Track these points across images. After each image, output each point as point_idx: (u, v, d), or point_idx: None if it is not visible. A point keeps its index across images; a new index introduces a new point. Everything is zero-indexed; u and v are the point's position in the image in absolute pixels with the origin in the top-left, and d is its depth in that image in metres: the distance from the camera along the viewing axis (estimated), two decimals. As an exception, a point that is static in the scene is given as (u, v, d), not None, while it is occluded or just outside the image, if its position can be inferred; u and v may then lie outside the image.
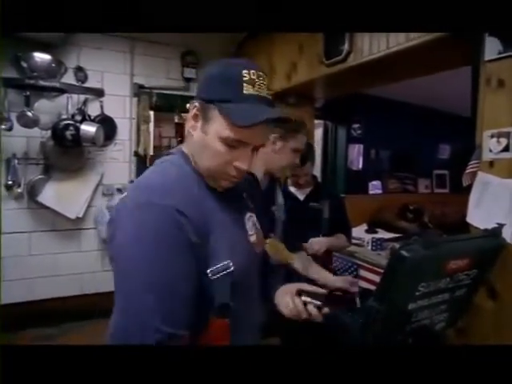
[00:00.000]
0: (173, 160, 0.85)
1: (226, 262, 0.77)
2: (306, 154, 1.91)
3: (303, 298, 0.95)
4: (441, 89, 3.36)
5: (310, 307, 0.95)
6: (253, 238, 0.92)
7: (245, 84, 0.76)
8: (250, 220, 0.94)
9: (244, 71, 0.76)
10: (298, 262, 1.64)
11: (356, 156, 4.11)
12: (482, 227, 1.23)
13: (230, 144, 0.78)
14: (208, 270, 0.76)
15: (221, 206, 0.84)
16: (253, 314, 0.92)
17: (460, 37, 1.47)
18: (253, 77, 0.77)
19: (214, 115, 0.78)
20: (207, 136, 0.79)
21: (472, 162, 1.32)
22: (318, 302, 0.94)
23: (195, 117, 0.82)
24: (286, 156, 1.55)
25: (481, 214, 1.29)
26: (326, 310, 0.95)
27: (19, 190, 2.71)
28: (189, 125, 0.83)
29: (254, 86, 0.77)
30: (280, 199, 1.68)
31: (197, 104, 0.81)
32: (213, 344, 0.78)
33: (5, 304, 2.60)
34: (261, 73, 0.79)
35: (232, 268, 0.78)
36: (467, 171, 1.33)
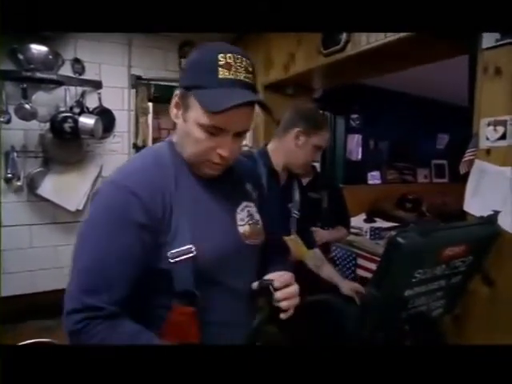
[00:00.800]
0: (157, 147, 0.88)
1: (187, 247, 0.77)
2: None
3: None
4: (439, 78, 3.35)
5: None
6: (242, 229, 0.89)
7: (220, 68, 0.75)
8: (245, 210, 0.92)
9: (220, 55, 0.75)
10: (310, 259, 1.64)
11: (355, 146, 4.11)
12: (478, 215, 1.24)
13: (209, 131, 0.77)
14: (168, 253, 0.76)
15: (202, 193, 0.85)
16: (237, 307, 0.88)
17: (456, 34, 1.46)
18: (229, 60, 0.75)
19: (191, 102, 0.78)
20: (187, 123, 0.80)
21: (469, 150, 1.33)
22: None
23: (177, 105, 0.83)
24: (307, 152, 1.52)
25: (478, 202, 1.30)
26: None
27: (19, 183, 2.71)
28: (172, 114, 0.85)
29: (229, 70, 0.75)
30: (297, 196, 1.66)
31: (177, 92, 0.82)
32: (178, 331, 0.78)
33: (6, 296, 2.62)
34: (239, 56, 0.77)
35: (194, 253, 0.77)
36: (464, 159, 1.34)
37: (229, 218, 0.89)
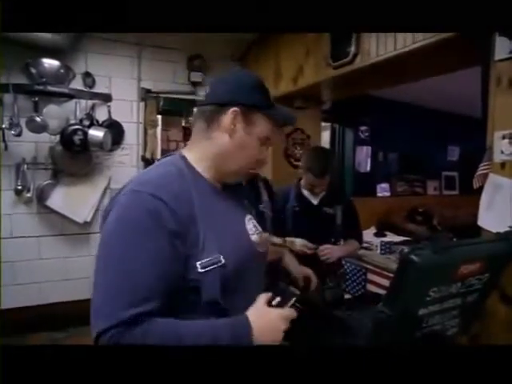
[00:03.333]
0: (172, 159, 0.91)
1: (216, 256, 0.78)
2: (326, 166, 1.88)
3: (274, 302, 0.86)
4: (449, 90, 3.33)
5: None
6: (254, 237, 0.94)
7: (268, 92, 0.93)
8: (250, 222, 0.98)
9: (261, 79, 0.93)
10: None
11: (364, 158, 4.09)
12: (493, 230, 1.20)
13: (264, 142, 0.92)
14: (197, 263, 0.77)
15: (218, 203, 0.90)
16: None
17: (469, 37, 1.45)
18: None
19: (258, 119, 0.90)
20: (247, 137, 0.89)
21: (483, 164, 1.30)
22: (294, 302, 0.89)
23: (235, 120, 0.88)
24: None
25: (492, 216, 1.26)
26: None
27: (28, 195, 2.74)
28: (225, 128, 0.88)
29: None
30: (265, 196, 1.67)
31: (236, 109, 0.88)
32: None
33: (14, 308, 2.62)
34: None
35: (223, 262, 0.79)
36: (478, 173, 1.30)
37: (242, 227, 0.94)
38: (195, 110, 1.00)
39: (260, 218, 1.54)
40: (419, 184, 4.51)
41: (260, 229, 1.01)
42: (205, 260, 0.77)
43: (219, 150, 0.89)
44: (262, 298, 0.84)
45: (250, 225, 0.97)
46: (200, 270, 0.76)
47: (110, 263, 0.74)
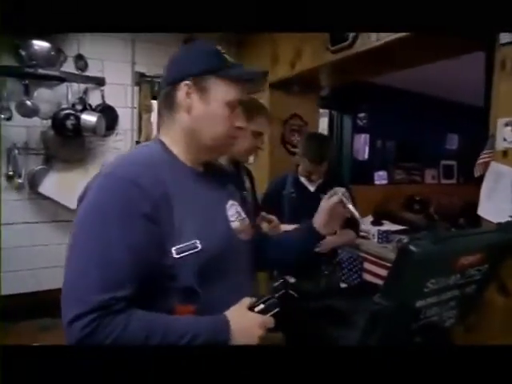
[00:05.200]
0: (148, 144, 0.92)
1: (192, 241, 0.77)
2: (323, 152, 1.85)
3: (256, 309, 0.84)
4: (450, 77, 3.28)
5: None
6: (235, 225, 0.92)
7: (225, 55, 0.88)
8: (233, 208, 0.95)
9: (218, 46, 0.88)
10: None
11: (362, 146, 4.05)
12: (493, 220, 1.18)
13: (233, 106, 0.87)
14: (173, 249, 0.75)
15: (197, 187, 0.87)
16: (233, 302, 0.85)
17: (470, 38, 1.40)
18: (223, 50, 0.89)
19: (212, 84, 0.85)
20: (211, 105, 0.85)
21: (485, 152, 1.26)
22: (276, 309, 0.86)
23: (188, 95, 0.85)
24: (246, 140, 1.48)
25: (493, 206, 1.24)
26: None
27: (20, 181, 2.69)
28: (181, 105, 0.86)
29: (228, 56, 0.88)
30: (247, 183, 1.66)
31: (187, 82, 0.85)
32: None
33: (6, 295, 2.60)
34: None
35: (199, 247, 0.77)
36: (479, 161, 1.27)
37: (221, 213, 0.92)
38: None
39: (243, 205, 1.55)
40: (417, 172, 4.49)
41: (244, 216, 0.98)
42: (180, 245, 0.76)
43: (185, 129, 0.87)
44: (245, 301, 0.82)
45: (232, 211, 0.94)
46: (175, 256, 0.75)
47: (82, 248, 0.72)
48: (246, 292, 0.87)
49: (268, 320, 0.81)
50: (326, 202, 1.02)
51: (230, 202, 0.95)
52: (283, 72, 2.69)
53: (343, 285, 1.89)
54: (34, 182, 2.73)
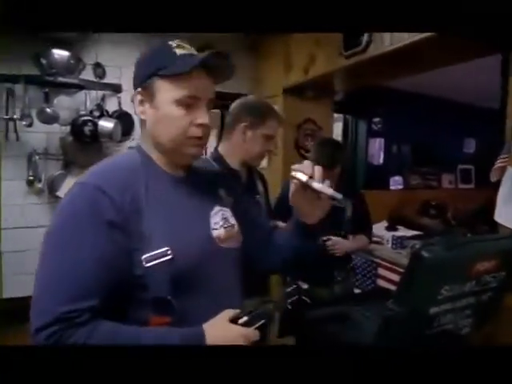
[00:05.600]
0: (127, 152, 0.90)
1: (163, 250, 0.73)
2: (335, 158, 1.85)
3: (240, 321, 0.78)
4: (466, 80, 3.23)
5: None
6: (217, 232, 0.87)
7: (176, 49, 0.80)
8: (219, 214, 0.90)
9: (170, 42, 0.82)
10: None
11: (377, 150, 4.02)
12: (510, 226, 1.15)
13: (185, 103, 0.79)
14: (143, 257, 0.73)
15: (175, 193, 0.84)
16: (215, 313, 0.80)
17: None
18: (179, 43, 0.82)
19: (157, 87, 0.80)
20: (160, 109, 0.81)
21: (501, 157, 1.24)
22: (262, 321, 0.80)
23: (141, 102, 0.83)
24: (257, 144, 1.48)
25: (510, 211, 1.21)
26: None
27: (40, 185, 2.76)
28: (139, 112, 0.85)
29: (184, 49, 0.81)
30: (260, 187, 1.64)
31: (139, 89, 0.83)
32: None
33: (25, 296, 2.66)
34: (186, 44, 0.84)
35: (170, 256, 0.74)
36: (496, 166, 1.25)
37: (202, 220, 0.87)
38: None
39: (257, 208, 1.54)
40: (433, 177, 4.42)
41: (232, 222, 0.92)
42: (150, 254, 0.73)
43: (150, 135, 0.85)
44: (227, 313, 0.77)
45: (218, 218, 0.89)
46: (145, 265, 0.72)
47: (49, 258, 0.72)
48: (231, 303, 0.81)
49: (252, 333, 0.75)
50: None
51: (217, 209, 0.90)
52: (297, 77, 2.70)
53: (357, 290, 1.87)
54: (53, 186, 2.80)
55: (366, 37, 1.95)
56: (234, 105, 1.54)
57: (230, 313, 0.76)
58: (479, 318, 1.02)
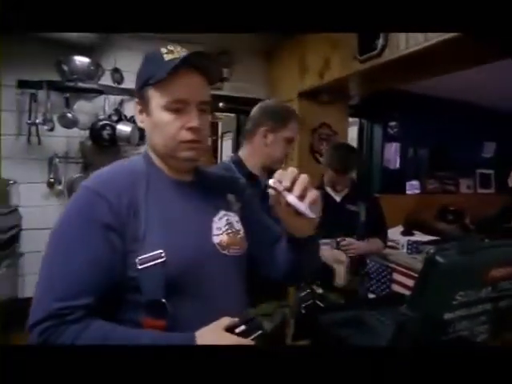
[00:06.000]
0: (132, 158, 0.92)
1: (157, 252, 0.74)
2: (348, 163, 1.85)
3: (237, 330, 0.74)
4: (485, 82, 3.16)
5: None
6: (219, 238, 0.86)
7: (165, 55, 0.81)
8: (223, 219, 0.89)
9: (162, 48, 0.83)
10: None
11: (393, 155, 3.97)
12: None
13: (174, 108, 0.80)
14: (137, 259, 0.74)
15: (176, 200, 0.85)
16: (215, 319, 0.79)
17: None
18: (171, 48, 0.83)
19: (150, 95, 0.83)
20: (153, 116, 0.83)
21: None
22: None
23: (140, 112, 0.87)
24: (279, 147, 1.48)
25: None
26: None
27: (60, 188, 2.84)
28: (139, 122, 0.88)
29: (173, 53, 0.82)
30: None
31: (136, 100, 0.87)
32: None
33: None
34: (179, 47, 0.85)
35: (164, 258, 0.74)
36: (513, 171, 1.23)
37: (203, 225, 0.86)
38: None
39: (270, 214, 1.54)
40: (451, 182, 4.34)
41: (237, 228, 0.91)
42: (144, 256, 0.74)
43: (150, 143, 0.88)
44: (224, 320, 0.74)
45: (222, 223, 0.88)
46: (139, 267, 0.73)
47: (50, 256, 0.74)
48: (229, 310, 0.78)
49: (247, 342, 0.72)
50: None
51: (222, 213, 0.90)
52: (312, 81, 2.71)
53: (371, 295, 1.86)
54: (72, 189, 2.86)
55: (381, 41, 1.94)
56: (254, 109, 1.54)
57: (226, 321, 0.74)
58: (496, 324, 1.00)
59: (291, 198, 0.72)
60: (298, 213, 0.73)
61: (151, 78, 0.81)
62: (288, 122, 1.48)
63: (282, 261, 0.94)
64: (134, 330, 0.72)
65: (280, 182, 0.73)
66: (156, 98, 0.82)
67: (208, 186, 0.92)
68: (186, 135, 0.82)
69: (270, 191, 0.74)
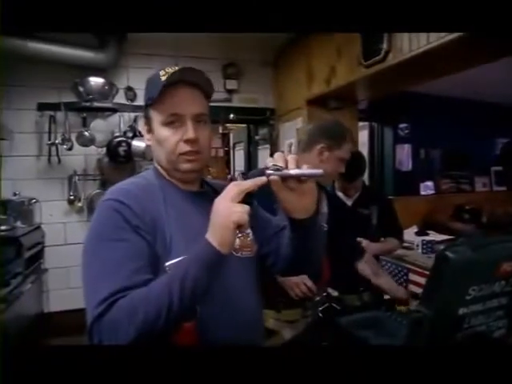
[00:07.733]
0: (144, 172, 0.97)
1: (183, 257, 0.77)
2: (358, 169, 1.89)
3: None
4: (496, 79, 3.14)
5: None
6: None
7: (162, 77, 0.86)
8: None
9: (161, 71, 0.88)
10: (365, 265, 1.63)
11: (405, 157, 3.96)
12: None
13: (169, 122, 0.86)
14: (166, 264, 0.78)
15: (190, 208, 0.90)
16: (235, 322, 0.85)
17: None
18: (168, 70, 0.86)
19: (151, 115, 0.90)
20: (155, 132, 0.89)
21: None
22: None
23: (147, 131, 0.93)
24: (331, 165, 1.54)
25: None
26: None
27: (80, 204, 2.94)
28: (146, 141, 0.94)
29: (169, 73, 0.86)
30: (324, 208, 1.66)
31: (144, 120, 0.94)
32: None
33: (68, 310, 2.80)
34: (177, 67, 0.88)
35: None
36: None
37: None
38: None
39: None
40: (466, 181, 4.28)
41: (247, 231, 0.95)
42: (172, 262, 0.78)
43: (155, 160, 0.94)
44: (231, 189, 0.77)
45: None
46: (169, 271, 0.77)
47: (89, 267, 0.78)
48: (247, 309, 0.87)
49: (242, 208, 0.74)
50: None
51: None
52: (319, 89, 2.75)
53: (387, 296, 1.86)
54: (91, 205, 2.97)
55: (384, 45, 1.98)
56: (311, 127, 1.62)
57: (234, 190, 0.76)
58: (512, 319, 1.00)
59: (293, 170, 0.78)
60: (299, 182, 0.80)
61: (150, 98, 0.88)
62: (343, 143, 1.55)
63: (286, 250, 0.96)
64: (162, 278, 0.74)
65: (275, 165, 0.78)
66: (156, 116, 0.88)
67: (215, 194, 0.96)
68: (184, 147, 0.86)
69: (271, 178, 0.78)
